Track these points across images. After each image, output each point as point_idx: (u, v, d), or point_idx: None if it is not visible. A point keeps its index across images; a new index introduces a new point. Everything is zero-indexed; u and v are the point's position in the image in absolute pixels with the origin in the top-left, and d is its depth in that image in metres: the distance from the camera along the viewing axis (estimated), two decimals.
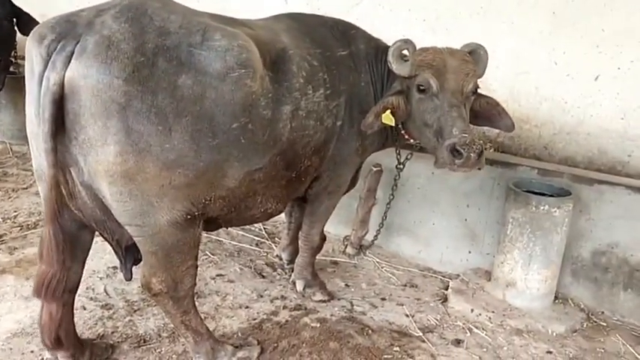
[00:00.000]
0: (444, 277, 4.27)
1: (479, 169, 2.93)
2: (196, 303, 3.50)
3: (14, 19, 5.59)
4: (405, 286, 4.16)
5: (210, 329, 3.17)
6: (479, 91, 3.15)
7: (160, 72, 2.35)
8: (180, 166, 2.46)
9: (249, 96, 2.58)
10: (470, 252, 4.24)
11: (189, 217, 2.61)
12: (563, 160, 4.31)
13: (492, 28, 4.41)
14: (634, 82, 3.96)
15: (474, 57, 3.10)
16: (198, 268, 4.03)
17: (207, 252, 4.34)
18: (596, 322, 3.76)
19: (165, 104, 2.36)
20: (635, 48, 3.92)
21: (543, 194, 3.71)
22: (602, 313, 3.84)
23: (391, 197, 3.84)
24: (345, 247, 4.56)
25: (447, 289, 4.02)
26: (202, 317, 3.23)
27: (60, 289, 2.61)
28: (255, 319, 3.54)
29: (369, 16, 4.84)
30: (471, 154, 2.78)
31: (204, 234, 4.43)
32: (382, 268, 4.39)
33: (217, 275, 4.05)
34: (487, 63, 3.13)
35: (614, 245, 3.76)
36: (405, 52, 3.10)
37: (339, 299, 3.87)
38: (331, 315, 3.65)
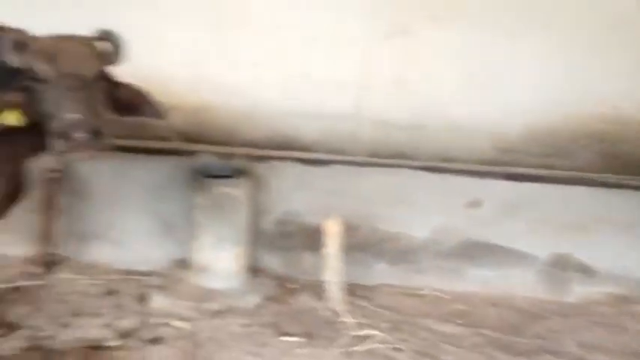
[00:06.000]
0: (144, 276, 4.12)
1: (104, 151, 2.71)
2: None
3: None
4: (105, 294, 3.88)
5: None
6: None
7: None
8: None
9: None
10: (166, 245, 4.18)
11: None
12: (245, 142, 4.56)
13: (164, 20, 4.37)
14: (291, 65, 4.39)
15: (109, 43, 2.94)
16: None
17: None
18: (288, 286, 4.11)
19: None
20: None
21: (226, 177, 3.86)
22: (293, 277, 4.22)
23: (61, 204, 3.47)
24: (30, 268, 4.04)
25: (147, 288, 3.90)
26: None
27: None
28: None
29: None
30: (80, 135, 2.58)
31: None
32: (77, 281, 4.01)
33: None
34: (120, 48, 2.95)
35: (293, 214, 4.15)
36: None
37: (22, 329, 3.39)
38: (11, 350, 3.17)
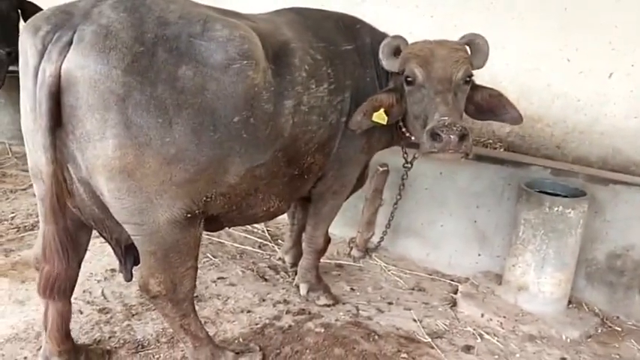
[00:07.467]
0: (452, 280, 4.13)
1: (466, 155, 2.76)
2: (196, 307, 3.39)
3: (19, 11, 5.36)
4: (413, 289, 4.02)
5: (211, 334, 3.06)
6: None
7: (159, 62, 2.26)
8: (181, 161, 2.36)
9: (251, 88, 2.48)
10: (479, 254, 4.11)
11: (189, 215, 2.50)
12: (576, 159, 4.18)
13: (502, 23, 4.30)
14: None
15: (472, 47, 2.99)
16: (199, 271, 3.93)
17: (208, 254, 4.22)
18: (610, 327, 3.62)
19: (166, 96, 2.27)
20: None
21: (556, 195, 3.58)
22: (617, 317, 3.70)
23: (398, 198, 3.72)
24: (351, 250, 4.44)
25: (456, 293, 3.89)
26: (202, 321, 3.12)
27: (66, 286, 2.58)
28: (257, 324, 3.41)
29: (375, 13, 4.73)
30: (450, 136, 2.63)
31: (205, 235, 4.34)
32: (389, 271, 4.25)
33: (218, 278, 3.93)
34: (487, 53, 2.98)
35: (630, 247, 3.63)
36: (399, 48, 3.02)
37: (344, 303, 3.74)
38: (336, 320, 3.52)
